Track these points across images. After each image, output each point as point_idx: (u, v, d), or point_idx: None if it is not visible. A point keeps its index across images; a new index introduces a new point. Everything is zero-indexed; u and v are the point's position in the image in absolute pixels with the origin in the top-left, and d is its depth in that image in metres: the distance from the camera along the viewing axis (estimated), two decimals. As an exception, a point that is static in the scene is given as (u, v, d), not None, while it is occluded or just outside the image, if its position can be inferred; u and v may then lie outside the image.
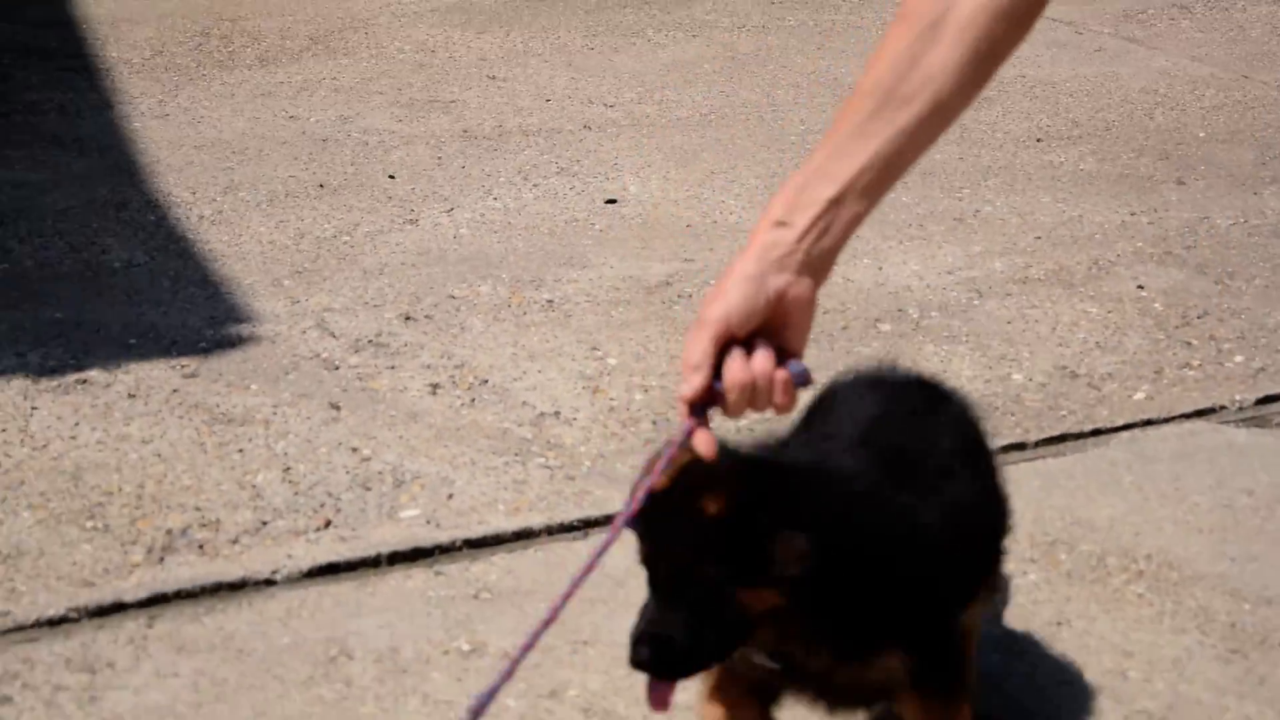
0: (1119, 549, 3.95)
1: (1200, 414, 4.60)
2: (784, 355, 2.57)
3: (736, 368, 2.52)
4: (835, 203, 2.53)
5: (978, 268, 5.46)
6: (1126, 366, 4.81)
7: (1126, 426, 4.52)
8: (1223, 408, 4.61)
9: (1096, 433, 4.51)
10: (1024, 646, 3.64)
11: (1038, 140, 6.77)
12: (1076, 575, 3.87)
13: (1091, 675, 3.53)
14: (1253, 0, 9.01)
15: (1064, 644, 3.64)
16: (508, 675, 2.43)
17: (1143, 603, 3.77)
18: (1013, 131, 6.89)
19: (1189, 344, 4.94)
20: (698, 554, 2.70)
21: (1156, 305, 5.20)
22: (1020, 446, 4.40)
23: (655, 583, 2.75)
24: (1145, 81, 7.62)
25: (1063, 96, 7.40)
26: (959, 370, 4.75)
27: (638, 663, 2.71)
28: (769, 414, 2.60)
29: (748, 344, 2.55)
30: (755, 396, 2.54)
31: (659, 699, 2.73)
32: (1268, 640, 3.63)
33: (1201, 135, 6.80)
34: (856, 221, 2.58)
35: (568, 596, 2.53)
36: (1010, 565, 3.86)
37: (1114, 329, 5.03)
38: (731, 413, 2.56)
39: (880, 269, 5.43)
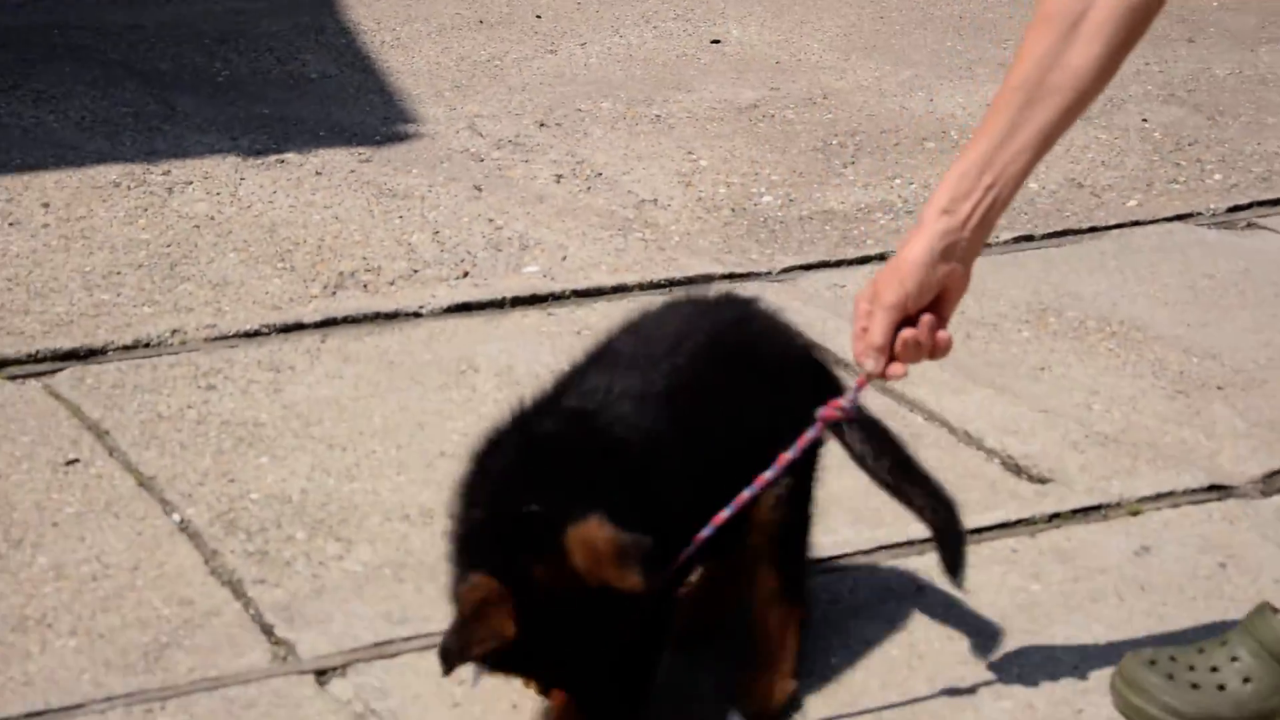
0: (1098, 315, 4.13)
1: (1180, 218, 4.70)
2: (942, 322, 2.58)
3: (905, 345, 2.53)
4: (990, 188, 2.49)
5: (1013, 102, 5.58)
6: (1124, 180, 4.92)
7: (1118, 225, 4.64)
8: (1199, 214, 4.73)
9: (1093, 229, 4.61)
10: (1009, 384, 3.84)
11: (1079, 6, 6.82)
12: (1060, 334, 4.04)
13: (1064, 407, 3.72)
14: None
15: (1045, 384, 3.81)
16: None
17: (1111, 355, 3.95)
18: None
19: (1178, 164, 5.05)
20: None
21: (1156, 134, 5.26)
22: (1029, 238, 4.55)
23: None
24: (1176, -39, 7.62)
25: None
26: None
27: None
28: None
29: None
30: (917, 354, 2.56)
31: None
32: (1206, 384, 3.81)
33: (1215, 5, 6.84)
34: (1005, 204, 2.55)
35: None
36: (1007, 325, 4.07)
37: (1118, 152, 5.12)
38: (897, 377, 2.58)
39: (931, 100, 5.54)
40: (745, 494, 2.54)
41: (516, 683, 2.55)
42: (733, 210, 4.63)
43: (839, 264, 4.35)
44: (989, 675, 2.85)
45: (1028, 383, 3.80)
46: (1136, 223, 4.65)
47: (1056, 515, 3.30)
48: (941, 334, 2.56)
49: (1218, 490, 3.39)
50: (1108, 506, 3.33)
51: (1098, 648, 2.92)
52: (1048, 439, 3.56)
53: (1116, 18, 2.43)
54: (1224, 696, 2.61)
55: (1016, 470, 3.45)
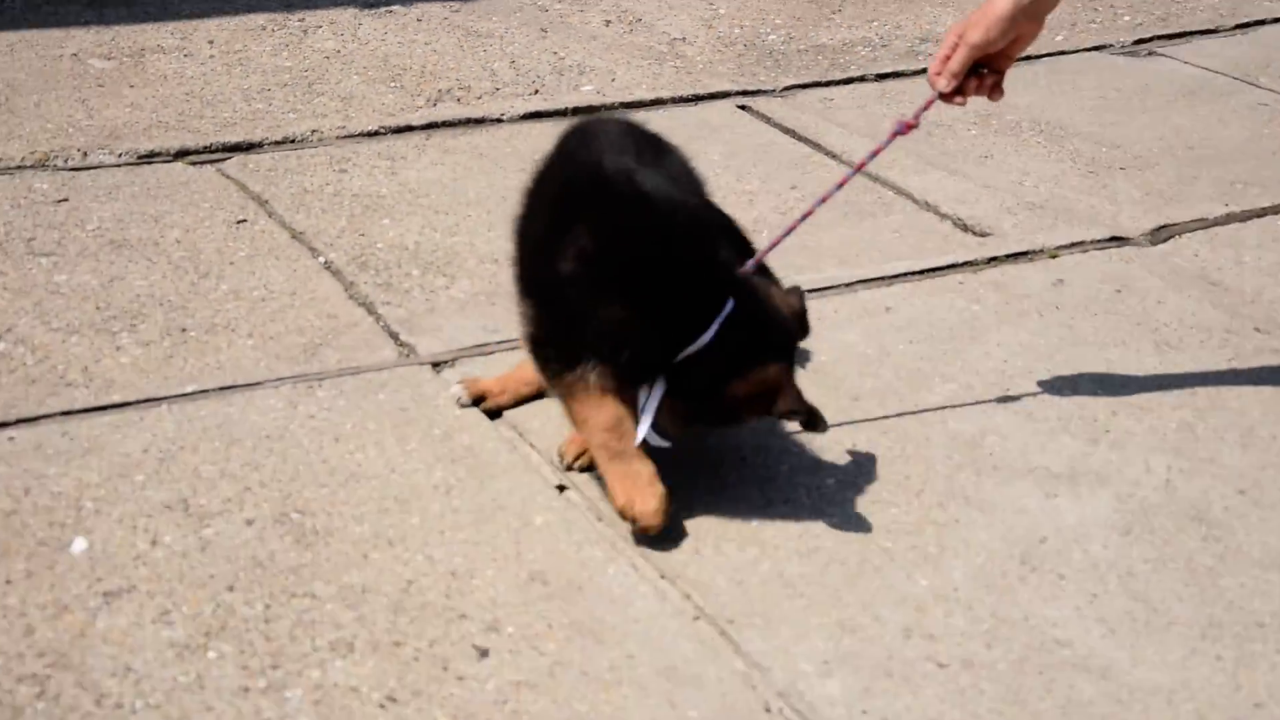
0: (1030, 118, 4.24)
1: (1096, 49, 4.79)
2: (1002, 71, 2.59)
3: (972, 84, 2.58)
4: None
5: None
6: (1053, 20, 4.94)
7: (1048, 54, 4.73)
8: (1110, 45, 4.81)
9: (1028, 58, 4.64)
10: (959, 167, 3.97)
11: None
12: (1001, 131, 4.15)
13: (1002, 184, 3.84)
14: None
15: (988, 168, 3.92)
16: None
17: (1039, 146, 4.06)
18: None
19: (1096, 9, 5.10)
20: None
21: None
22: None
23: None
24: None
25: None
26: (953, 20, 4.99)
27: None
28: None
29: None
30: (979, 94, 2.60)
31: None
32: (1111, 166, 3.92)
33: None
34: None
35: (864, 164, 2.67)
36: (959, 126, 4.19)
37: None
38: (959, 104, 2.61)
39: None
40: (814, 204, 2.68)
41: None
42: (745, 45, 4.72)
43: (828, 84, 4.45)
44: (940, 368, 3.03)
45: (974, 167, 3.92)
46: (1062, 52, 4.73)
47: (994, 258, 3.44)
48: (993, 78, 2.60)
49: (1117, 240, 3.54)
50: (1033, 252, 3.48)
51: (1022, 349, 3.09)
52: (989, 206, 3.70)
53: None
54: None
55: (964, 228, 3.59)
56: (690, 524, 2.53)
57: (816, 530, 2.53)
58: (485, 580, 2.38)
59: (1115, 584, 2.42)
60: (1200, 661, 2.26)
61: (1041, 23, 2.56)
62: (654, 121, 4.06)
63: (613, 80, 4.39)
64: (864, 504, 2.60)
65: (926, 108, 2.64)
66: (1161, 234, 3.55)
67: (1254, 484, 2.67)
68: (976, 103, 4.21)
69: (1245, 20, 4.92)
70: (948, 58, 2.56)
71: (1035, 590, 2.40)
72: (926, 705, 2.17)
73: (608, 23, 4.86)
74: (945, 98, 2.59)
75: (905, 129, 2.62)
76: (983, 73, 2.60)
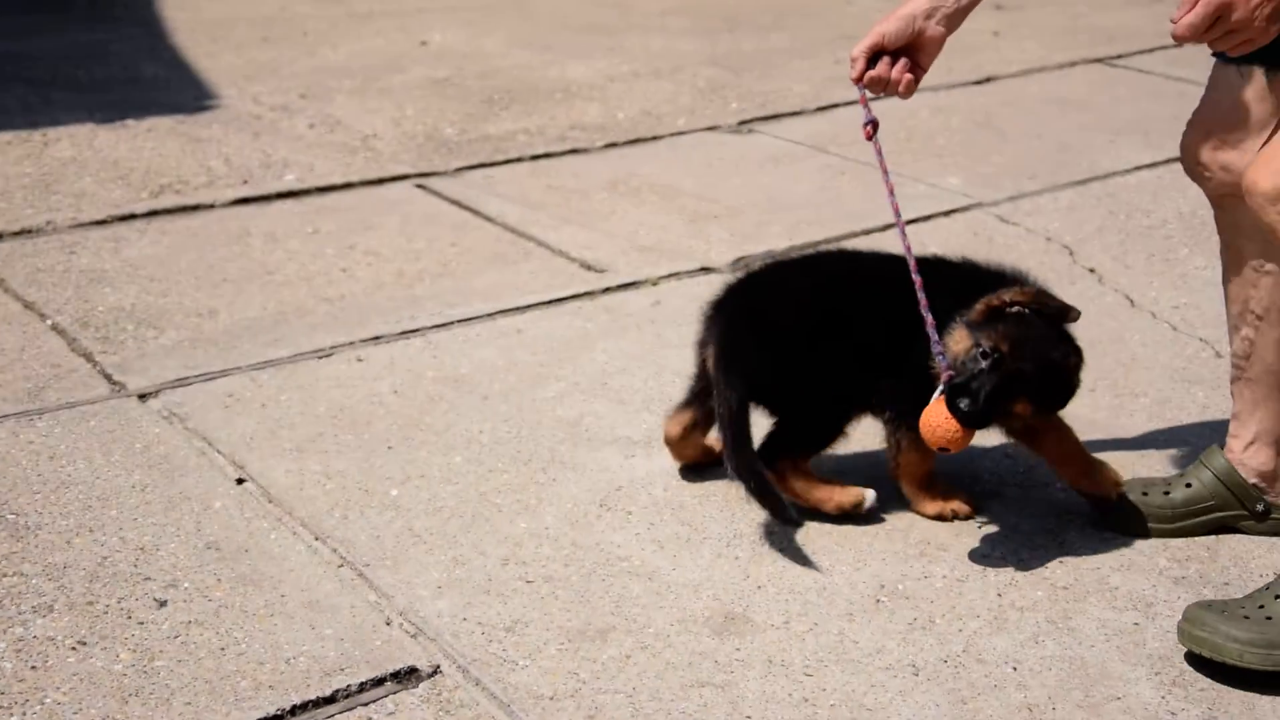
0: (649, 183, 4.53)
1: (708, 129, 5.11)
2: (918, 70, 2.51)
3: (879, 67, 2.49)
4: None
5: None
6: (677, 110, 5.26)
7: (670, 135, 5.03)
8: (720, 126, 5.15)
9: (655, 138, 4.96)
10: (590, 222, 4.25)
11: None
12: (625, 195, 4.44)
13: (621, 232, 4.13)
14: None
15: (612, 221, 4.23)
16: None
17: (654, 204, 4.35)
18: None
19: (712, 101, 5.43)
20: None
21: (700, 84, 5.65)
22: (614, 144, 4.95)
23: None
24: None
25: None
26: (600, 114, 5.34)
27: None
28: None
29: (896, 55, 2.49)
30: (886, 86, 2.50)
31: None
32: (708, 215, 4.30)
33: (736, 5, 7.33)
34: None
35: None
36: (593, 192, 4.54)
37: (676, 95, 5.47)
38: (873, 89, 2.50)
39: (562, 70, 5.89)
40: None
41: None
42: (425, 138, 4.97)
43: (491, 165, 4.73)
44: (555, 371, 3.33)
45: (601, 221, 4.22)
46: (682, 133, 5.09)
47: (608, 288, 3.78)
48: (907, 75, 2.50)
49: (705, 270, 3.91)
50: (639, 282, 3.82)
51: (622, 354, 3.42)
52: (609, 250, 4.02)
53: None
54: (1273, 625, 2.27)
55: (587, 267, 3.92)
56: (340, 495, 2.79)
57: (443, 495, 2.81)
58: (169, 552, 2.59)
59: (669, 515, 2.75)
60: (724, 562, 2.60)
61: (946, 32, 2.50)
62: (344, 200, 4.37)
63: (312, 170, 4.62)
64: (482, 472, 2.89)
65: (864, 104, 2.58)
66: (739, 263, 3.93)
67: (783, 437, 3.04)
68: (606, 175, 4.61)
69: (824, 104, 5.39)
70: (853, 57, 2.53)
71: (608, 524, 2.72)
72: (514, 610, 2.46)
73: (311, 126, 5.09)
74: (860, 83, 2.52)
75: (871, 131, 2.56)
76: (902, 61, 2.51)
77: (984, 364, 2.43)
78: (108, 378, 3.22)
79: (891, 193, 2.58)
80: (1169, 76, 5.78)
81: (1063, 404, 2.54)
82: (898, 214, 2.56)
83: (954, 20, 2.49)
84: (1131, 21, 6.68)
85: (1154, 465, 2.94)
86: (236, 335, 3.45)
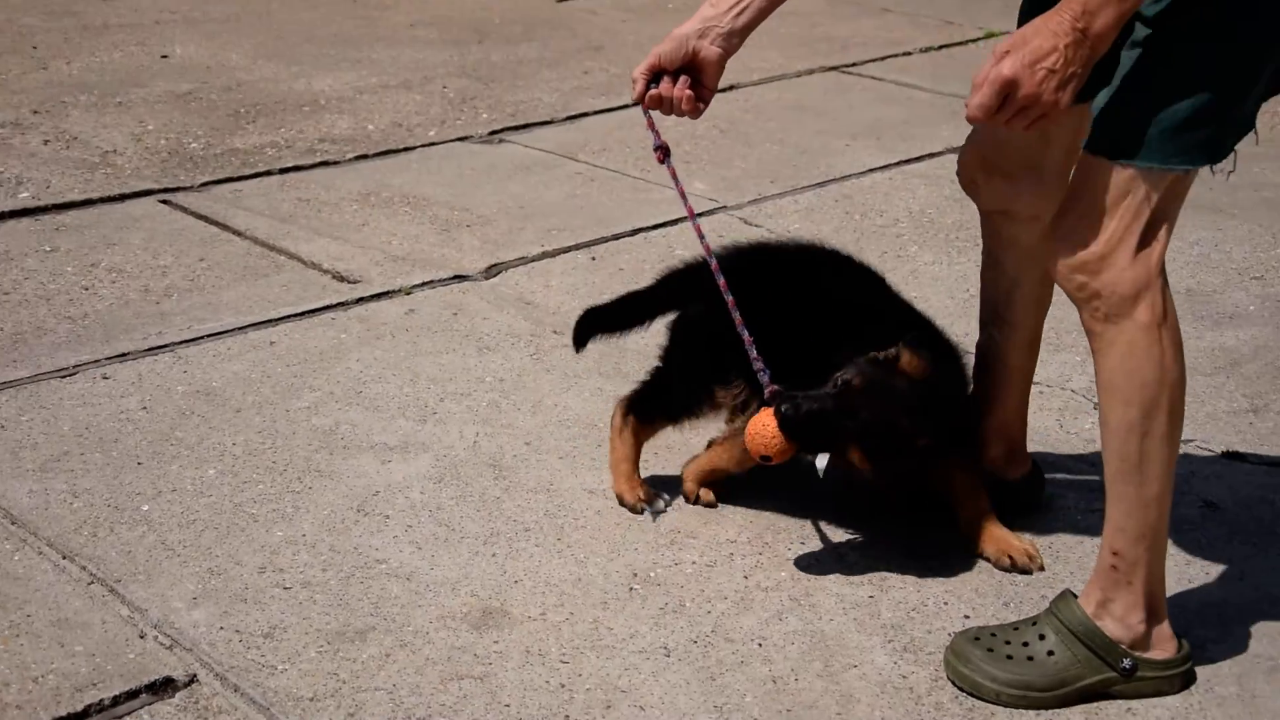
0: (401, 194, 4.56)
1: (459, 139, 5.12)
2: (702, 90, 2.50)
3: (661, 85, 2.49)
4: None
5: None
6: (429, 121, 5.27)
7: (422, 146, 5.03)
8: (471, 136, 5.15)
9: (407, 149, 4.95)
10: (343, 235, 4.28)
11: None
12: (378, 205, 4.47)
13: (373, 242, 4.16)
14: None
15: (364, 232, 4.23)
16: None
17: (406, 213, 4.39)
18: None
19: (463, 111, 5.47)
20: None
21: (450, 94, 5.65)
22: (365, 156, 4.99)
23: None
24: None
25: None
26: (390, 120, 5.32)
27: None
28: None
29: (678, 74, 2.49)
30: (669, 105, 2.50)
31: None
32: (461, 224, 4.34)
33: (496, 21, 7.42)
34: (763, 15, 2.48)
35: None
36: (344, 203, 4.54)
37: (427, 106, 5.49)
38: (658, 109, 2.51)
39: (308, 83, 5.83)
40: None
41: None
42: (169, 153, 4.86)
43: (239, 179, 4.69)
44: (309, 381, 3.34)
45: (354, 233, 4.22)
46: (433, 143, 5.11)
47: (361, 299, 3.79)
48: (688, 93, 2.49)
49: (459, 278, 3.96)
50: (392, 291, 3.85)
51: (376, 362, 3.44)
52: (362, 261, 4.02)
53: None
54: (1033, 666, 2.33)
55: (340, 278, 3.92)
56: (88, 513, 2.75)
57: (196, 508, 2.80)
58: (-95, 578, 2.51)
59: (427, 516, 2.80)
60: (481, 560, 2.67)
61: (724, 52, 2.49)
62: (84, 218, 4.26)
63: (48, 187, 4.49)
64: (236, 484, 2.89)
65: (651, 127, 2.60)
66: (493, 270, 4.00)
67: (536, 438, 3.12)
68: (358, 187, 4.60)
69: (573, 113, 5.49)
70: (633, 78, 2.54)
71: (365, 528, 2.75)
72: (271, 616, 2.47)
73: (46, 142, 4.94)
74: (644, 103, 2.53)
75: (661, 155, 2.61)
76: (683, 79, 2.50)
77: (829, 389, 2.50)
78: None
79: (692, 215, 2.63)
80: (899, 83, 6.08)
81: (882, 461, 2.55)
82: (701, 235, 2.64)
83: (730, 40, 2.48)
84: (864, 31, 7.00)
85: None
86: (-29, 357, 3.35)
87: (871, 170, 4.97)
